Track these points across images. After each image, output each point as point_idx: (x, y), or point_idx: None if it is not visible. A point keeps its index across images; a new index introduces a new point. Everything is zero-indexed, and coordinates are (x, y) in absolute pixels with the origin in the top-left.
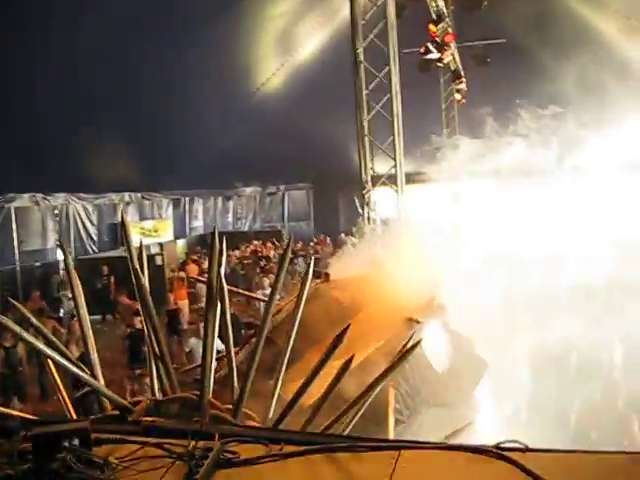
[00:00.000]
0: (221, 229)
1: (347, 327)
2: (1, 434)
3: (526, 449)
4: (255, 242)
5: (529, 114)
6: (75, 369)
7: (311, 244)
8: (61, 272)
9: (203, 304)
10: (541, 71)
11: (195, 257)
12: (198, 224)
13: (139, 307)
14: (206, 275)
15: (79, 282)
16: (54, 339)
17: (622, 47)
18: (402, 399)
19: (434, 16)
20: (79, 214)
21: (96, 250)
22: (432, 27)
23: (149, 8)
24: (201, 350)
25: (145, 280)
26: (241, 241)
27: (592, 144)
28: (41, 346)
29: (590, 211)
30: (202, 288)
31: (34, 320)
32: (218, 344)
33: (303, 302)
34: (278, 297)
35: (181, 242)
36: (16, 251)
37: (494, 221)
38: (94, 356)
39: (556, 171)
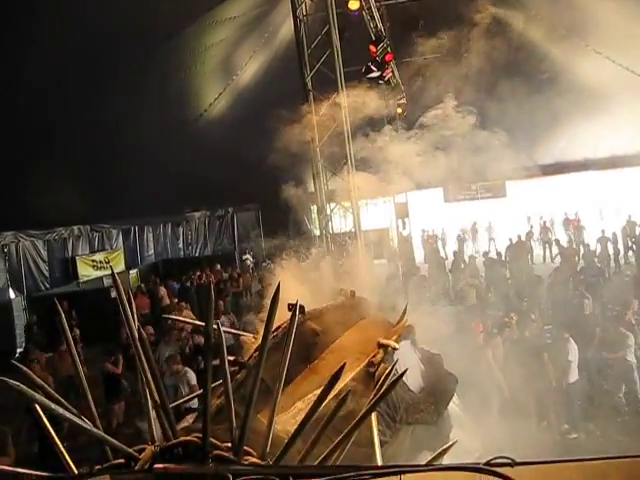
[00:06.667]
0: (172, 256)
1: (343, 365)
2: None
3: (514, 463)
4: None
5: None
6: (73, 417)
7: (264, 264)
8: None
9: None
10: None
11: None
12: (150, 252)
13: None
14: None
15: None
16: (44, 384)
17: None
18: (383, 420)
19: (373, 37)
20: (29, 251)
21: (48, 286)
22: (372, 48)
23: (90, 40)
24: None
25: (143, 334)
26: (196, 267)
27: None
28: (34, 394)
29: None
30: None
31: (21, 367)
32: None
33: (292, 339)
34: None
35: (133, 272)
36: None
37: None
38: (91, 401)
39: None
